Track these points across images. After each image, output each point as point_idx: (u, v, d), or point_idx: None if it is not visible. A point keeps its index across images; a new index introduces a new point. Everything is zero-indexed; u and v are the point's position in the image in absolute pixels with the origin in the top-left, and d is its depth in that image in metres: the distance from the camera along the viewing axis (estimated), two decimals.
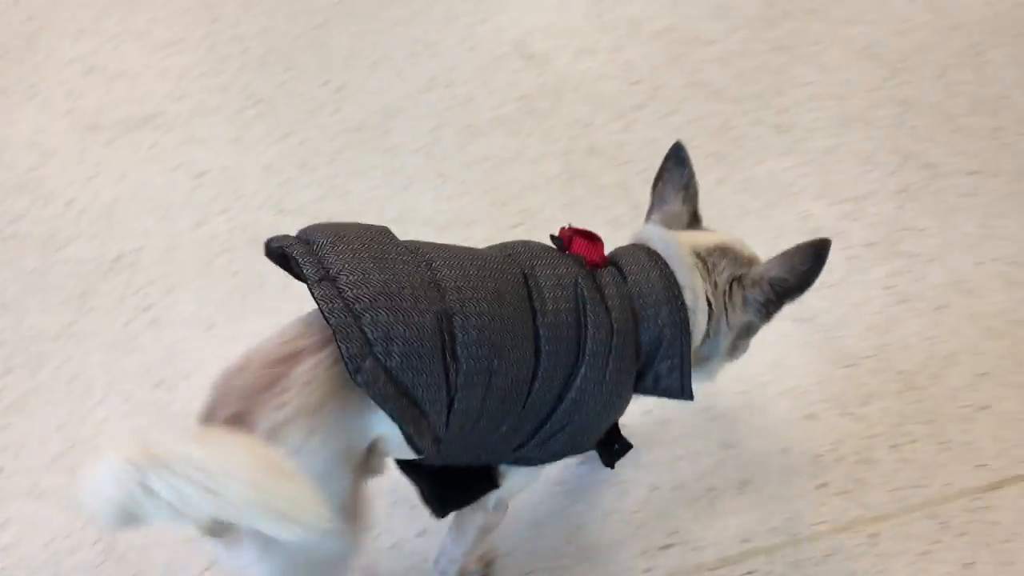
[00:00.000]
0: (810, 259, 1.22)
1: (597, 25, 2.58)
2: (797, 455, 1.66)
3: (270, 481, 0.94)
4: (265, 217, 2.08)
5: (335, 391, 1.04)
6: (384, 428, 1.08)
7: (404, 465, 1.30)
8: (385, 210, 2.09)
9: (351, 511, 1.11)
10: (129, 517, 0.92)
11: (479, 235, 2.02)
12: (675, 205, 1.33)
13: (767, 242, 1.37)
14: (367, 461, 1.14)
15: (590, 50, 2.50)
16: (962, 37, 2.52)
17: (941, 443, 1.67)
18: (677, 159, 1.34)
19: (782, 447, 1.67)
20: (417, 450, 1.06)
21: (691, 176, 1.34)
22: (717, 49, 2.48)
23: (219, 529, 1.05)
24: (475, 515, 1.34)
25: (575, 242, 1.22)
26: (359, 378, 1.01)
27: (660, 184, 1.35)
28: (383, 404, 1.03)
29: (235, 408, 1.02)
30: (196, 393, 1.08)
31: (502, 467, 1.28)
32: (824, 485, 1.62)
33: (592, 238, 1.24)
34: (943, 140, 2.23)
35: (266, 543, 1.04)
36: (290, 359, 1.04)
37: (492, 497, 1.31)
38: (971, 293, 1.91)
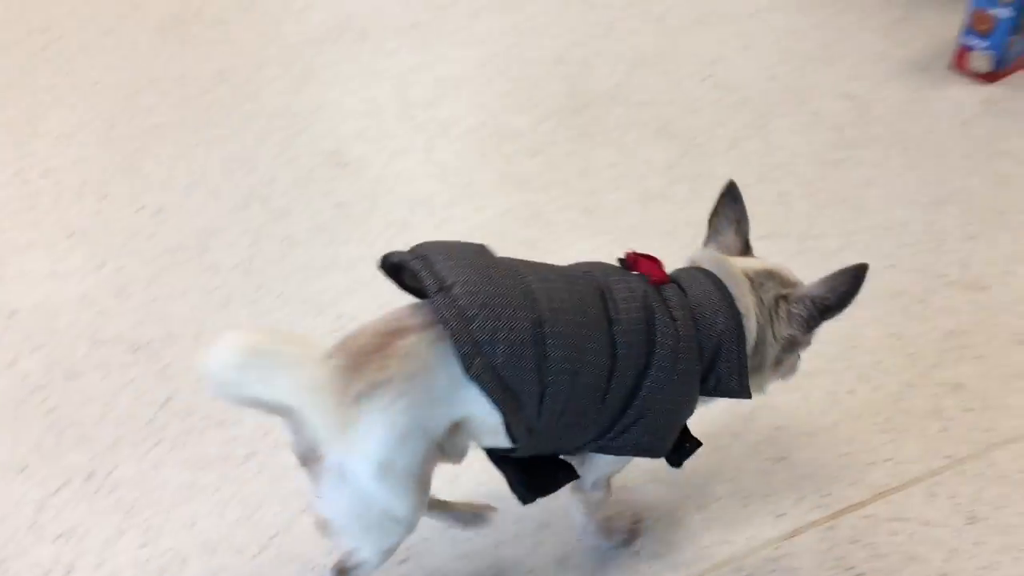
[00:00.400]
0: (849, 281, 1.41)
1: (411, 127, 2.68)
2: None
3: (316, 395, 1.20)
4: (81, 348, 2.07)
5: (428, 367, 1.23)
6: (468, 411, 1.28)
7: (493, 455, 1.44)
8: (204, 329, 2.10)
9: (417, 479, 1.29)
10: (224, 386, 1.19)
11: None
12: (728, 236, 1.53)
13: None
14: (448, 441, 1.31)
15: (404, 151, 2.59)
16: (749, 110, 2.71)
17: (743, 498, 1.76)
18: (732, 196, 1.53)
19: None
20: (513, 438, 1.29)
21: (743, 211, 1.53)
22: (525, 141, 2.61)
23: (309, 457, 1.27)
24: (577, 496, 1.56)
25: (640, 263, 1.42)
26: (471, 372, 1.22)
27: (715, 218, 1.55)
28: (490, 395, 1.23)
29: (349, 362, 1.22)
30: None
31: (588, 455, 1.48)
32: (637, 554, 1.68)
33: (654, 260, 1.44)
34: None
35: (338, 482, 1.25)
36: (397, 333, 1.24)
37: (587, 481, 1.51)
38: None
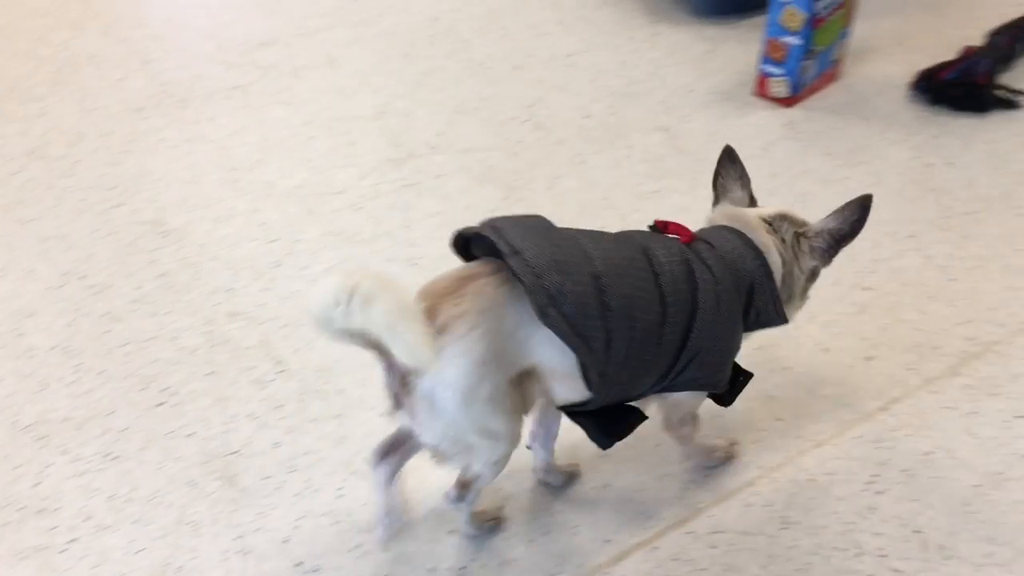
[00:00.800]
0: (858, 211, 1.63)
1: (233, 191, 2.66)
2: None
3: (407, 321, 1.36)
4: None
5: (497, 303, 1.43)
6: (540, 357, 1.47)
7: (568, 411, 1.60)
8: (21, 416, 2.04)
9: (501, 401, 1.46)
10: (328, 322, 1.35)
11: (118, 424, 2.01)
12: (736, 192, 1.73)
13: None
14: (524, 386, 1.49)
15: (227, 216, 2.57)
16: (566, 149, 2.81)
17: (572, 528, 1.80)
18: (730, 158, 1.75)
19: None
20: (588, 382, 1.46)
21: (743, 169, 1.75)
22: (349, 196, 2.63)
23: (401, 394, 1.46)
24: (671, 435, 1.77)
25: (670, 227, 1.62)
26: (546, 321, 1.39)
27: (719, 179, 1.75)
28: (567, 341, 1.41)
29: (428, 303, 1.42)
30: None
31: (669, 397, 1.68)
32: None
33: (681, 225, 1.63)
34: None
35: (431, 410, 1.43)
36: (469, 278, 1.45)
37: (675, 419, 1.73)
38: None
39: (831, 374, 2.09)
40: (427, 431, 1.47)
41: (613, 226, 2.49)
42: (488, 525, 1.77)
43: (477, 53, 3.27)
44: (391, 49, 3.30)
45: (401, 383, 1.45)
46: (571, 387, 1.50)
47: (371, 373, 1.57)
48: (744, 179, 1.74)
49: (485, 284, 1.44)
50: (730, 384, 1.69)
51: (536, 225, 1.49)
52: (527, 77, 3.15)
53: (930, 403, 2.02)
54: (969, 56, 2.97)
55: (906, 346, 2.16)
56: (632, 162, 2.76)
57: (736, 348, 1.64)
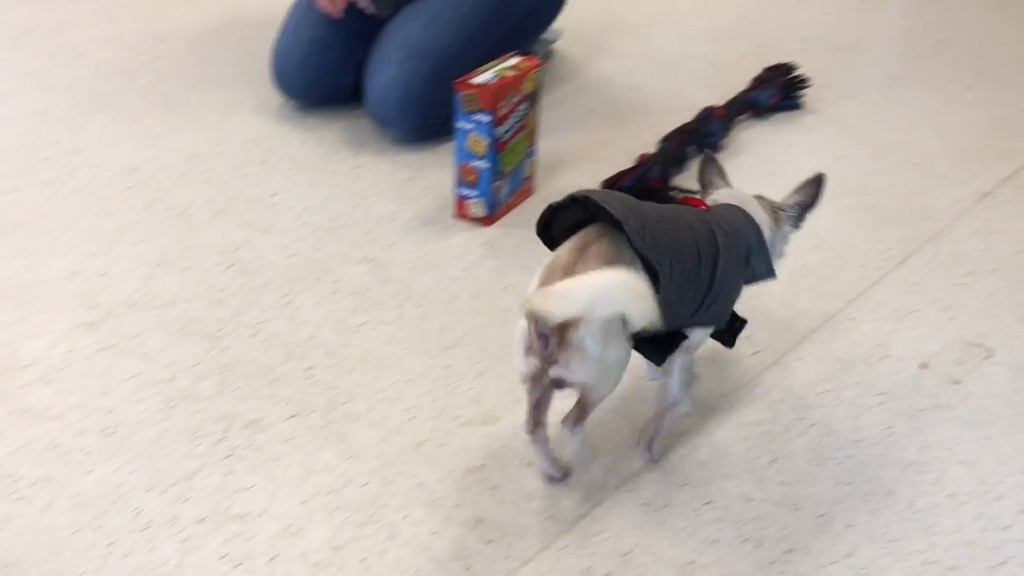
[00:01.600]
0: (816, 185, 2.18)
1: None
2: None
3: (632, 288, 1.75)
4: None
5: (612, 257, 1.81)
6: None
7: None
8: None
9: (623, 336, 1.86)
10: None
11: None
12: (720, 183, 2.23)
13: None
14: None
15: None
16: (272, 291, 2.79)
17: None
18: (709, 158, 2.26)
19: None
20: (661, 309, 1.80)
21: (721, 166, 2.27)
22: (37, 369, 2.48)
23: (553, 349, 1.81)
24: (678, 358, 2.11)
25: (690, 200, 2.15)
26: (641, 244, 1.81)
27: (704, 176, 2.25)
28: (649, 266, 1.82)
29: (557, 277, 1.80)
30: None
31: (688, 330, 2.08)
32: None
33: (698, 199, 2.18)
34: (264, 394, 2.42)
35: (582, 356, 1.80)
36: (585, 246, 1.84)
37: (685, 345, 2.08)
38: (298, 533, 2.04)
39: (536, 487, 2.16)
40: (579, 372, 1.83)
41: (323, 365, 2.50)
42: (564, 471, 2.18)
43: (177, 201, 3.22)
44: (85, 207, 3.19)
45: (558, 342, 1.79)
46: (645, 314, 1.84)
47: None
48: (723, 174, 2.25)
49: (599, 248, 1.83)
50: (730, 327, 2.15)
51: (604, 191, 1.94)
52: (230, 221, 3.12)
53: (629, 502, 2.12)
54: (643, 163, 3.23)
55: (607, 448, 2.26)
56: (339, 297, 2.78)
57: (739, 293, 2.10)
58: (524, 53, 3.20)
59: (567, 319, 1.74)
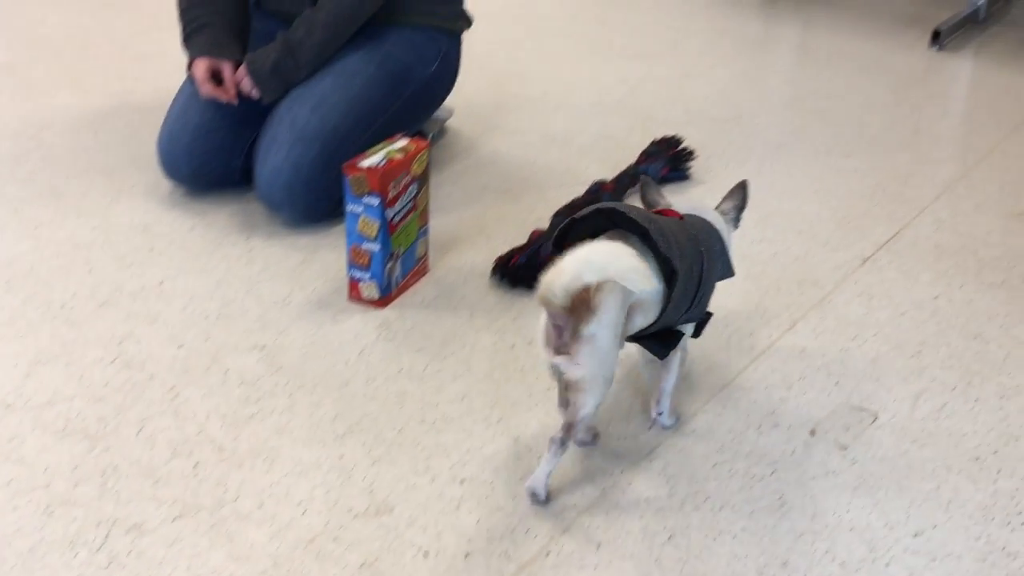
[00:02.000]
0: (741, 191, 2.49)
1: None
2: None
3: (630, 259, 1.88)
4: None
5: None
6: (643, 295, 2.01)
7: (633, 338, 2.21)
8: None
9: (620, 341, 2.06)
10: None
11: None
12: (661, 201, 2.39)
13: None
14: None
15: None
16: (158, 385, 2.71)
17: None
18: (647, 183, 2.43)
19: None
20: (664, 309, 2.09)
21: (658, 186, 2.46)
22: None
23: (567, 341, 1.96)
24: (676, 354, 2.36)
25: (667, 212, 2.29)
26: (662, 248, 2.02)
27: (648, 198, 2.40)
28: (665, 271, 2.05)
29: None
30: None
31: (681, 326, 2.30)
32: None
33: (673, 211, 2.31)
34: (147, 495, 2.32)
35: (591, 348, 1.95)
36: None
37: (680, 341, 2.30)
38: None
39: None
40: (584, 367, 1.96)
41: (211, 461, 2.42)
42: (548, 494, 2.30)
43: (58, 294, 3.12)
44: None
45: (572, 333, 1.92)
46: (647, 315, 2.08)
47: None
48: (662, 193, 2.42)
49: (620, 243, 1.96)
50: (699, 321, 2.36)
51: (640, 210, 2.16)
52: (114, 313, 3.03)
53: None
54: (535, 240, 3.26)
55: (501, 533, 2.23)
56: (228, 388, 2.71)
57: (713, 291, 2.32)
58: (413, 134, 3.21)
59: (566, 289, 1.86)
